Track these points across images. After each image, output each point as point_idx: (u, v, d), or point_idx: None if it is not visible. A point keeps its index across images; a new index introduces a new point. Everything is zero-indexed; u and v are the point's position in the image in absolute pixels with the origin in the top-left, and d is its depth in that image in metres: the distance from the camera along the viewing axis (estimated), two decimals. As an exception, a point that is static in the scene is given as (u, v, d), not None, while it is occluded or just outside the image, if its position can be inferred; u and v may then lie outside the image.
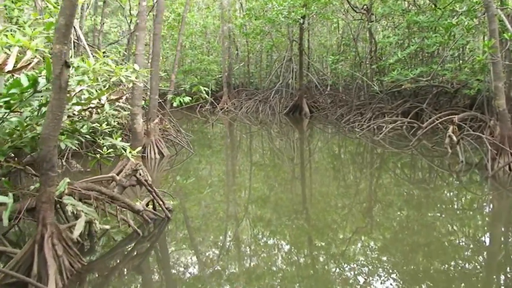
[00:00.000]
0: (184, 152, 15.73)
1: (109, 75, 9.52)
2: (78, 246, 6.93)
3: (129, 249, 7.31)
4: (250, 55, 35.84)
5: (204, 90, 16.82)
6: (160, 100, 21.35)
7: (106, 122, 12.23)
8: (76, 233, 5.81)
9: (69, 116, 6.96)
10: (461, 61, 21.34)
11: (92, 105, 7.44)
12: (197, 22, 34.97)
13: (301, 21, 24.39)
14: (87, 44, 17.78)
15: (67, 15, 5.31)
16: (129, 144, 11.82)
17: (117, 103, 15.47)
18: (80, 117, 7.39)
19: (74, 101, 7.14)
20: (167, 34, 34.28)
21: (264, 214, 9.36)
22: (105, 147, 9.97)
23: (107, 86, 13.68)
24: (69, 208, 5.97)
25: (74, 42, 16.60)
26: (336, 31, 32.36)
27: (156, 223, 8.17)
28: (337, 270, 6.65)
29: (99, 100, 7.36)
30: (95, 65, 8.35)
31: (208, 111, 31.99)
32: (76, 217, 6.49)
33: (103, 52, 17.30)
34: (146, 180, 8.03)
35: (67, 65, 5.43)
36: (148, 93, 14.85)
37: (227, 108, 31.72)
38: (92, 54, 17.22)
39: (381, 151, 16.74)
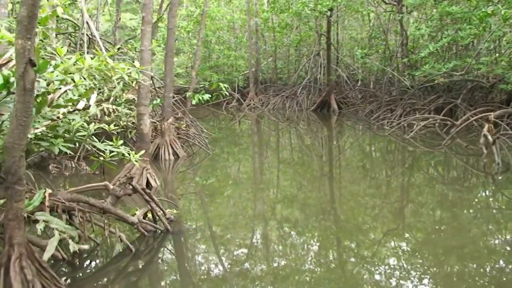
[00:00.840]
0: (202, 152, 15.00)
1: (110, 74, 8.83)
2: (64, 264, 6.26)
3: (122, 266, 6.57)
4: (278, 50, 34.87)
5: (224, 87, 16.03)
6: (181, 98, 20.74)
7: (114, 123, 11.61)
8: (46, 255, 5.09)
9: (52, 120, 6.23)
10: (497, 54, 20.03)
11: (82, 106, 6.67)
12: (223, 16, 34.23)
13: (329, 13, 23.39)
14: (101, 39, 17.20)
15: (29, 5, 4.56)
16: (136, 146, 11.20)
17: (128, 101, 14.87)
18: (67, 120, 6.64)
19: (60, 103, 6.43)
20: (194, 30, 33.65)
21: (291, 215, 9.13)
22: (107, 150, 9.27)
23: (120, 85, 13.07)
24: (40, 226, 5.25)
25: (89, 38, 16.04)
26: (367, 24, 31.23)
27: (163, 237, 7.43)
28: (367, 273, 6.36)
29: (87, 100, 6.60)
30: (90, 63, 7.67)
31: (235, 108, 31.27)
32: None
33: (118, 49, 16.72)
34: (144, 189, 7.27)
35: (32, 63, 4.69)
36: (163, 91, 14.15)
37: (254, 104, 30.92)
38: (106, 50, 16.61)
39: (412, 150, 15.80)
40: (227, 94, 16.07)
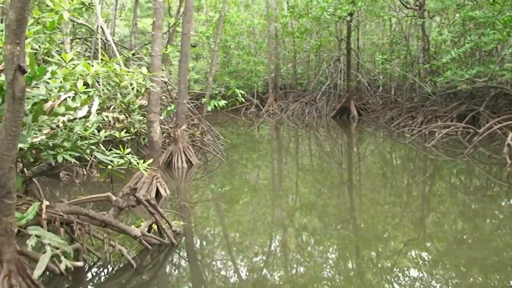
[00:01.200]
0: (218, 159, 14.70)
1: (118, 80, 8.59)
2: (61, 279, 5.99)
3: (123, 282, 6.28)
4: (298, 55, 34.50)
5: (240, 93, 15.74)
6: (198, 104, 20.51)
7: (126, 130, 11.37)
8: (36, 272, 4.82)
9: (52, 129, 5.97)
10: (522, 60, 19.48)
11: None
12: (243, 22, 33.97)
13: (348, 18, 22.99)
14: (118, 44, 17.02)
15: (18, 8, 4.30)
16: (146, 154, 10.94)
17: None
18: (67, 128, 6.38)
19: (62, 110, 6.17)
20: (213, 35, 33.43)
21: (309, 223, 9.01)
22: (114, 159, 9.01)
23: (134, 91, 12.81)
24: (31, 242, 4.98)
25: (104, 43, 15.86)
26: (388, 29, 30.73)
27: (168, 250, 7.13)
28: (387, 284, 6.28)
29: (89, 107, 6.33)
30: (96, 69, 7.43)
31: (253, 114, 30.96)
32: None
33: (133, 54, 16.53)
34: (148, 200, 6.98)
35: (22, 70, 4.42)
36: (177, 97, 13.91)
37: (273, 110, 30.58)
38: (121, 55, 16.43)
39: (433, 159, 15.31)
40: (243, 100, 15.73)
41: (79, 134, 6.09)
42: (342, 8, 20.97)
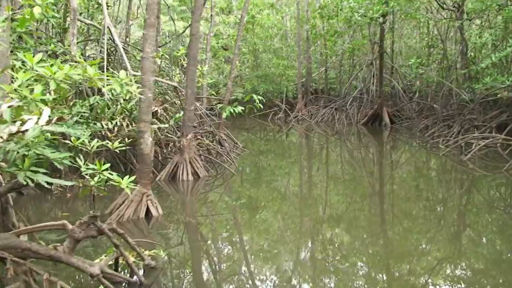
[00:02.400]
0: (230, 171, 13.56)
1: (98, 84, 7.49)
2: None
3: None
4: (330, 59, 33.08)
5: (258, 98, 14.57)
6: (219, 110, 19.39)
7: (121, 140, 10.32)
8: None
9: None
10: None
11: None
12: (274, 24, 32.78)
13: (381, 20, 21.56)
14: (132, 46, 16.07)
15: None
16: (136, 168, 9.82)
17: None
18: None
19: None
20: (242, 37, 32.41)
21: (336, 236, 8.70)
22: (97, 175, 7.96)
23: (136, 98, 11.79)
24: None
25: (111, 45, 14.90)
26: (424, 32, 29.05)
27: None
28: None
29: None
30: (66, 72, 6.35)
31: (282, 120, 29.75)
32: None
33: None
34: (113, 229, 5.85)
35: None
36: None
37: (301, 116, 29.30)
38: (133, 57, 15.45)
39: (469, 173, 13.98)
40: (261, 106, 14.55)
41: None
42: (374, 9, 19.57)
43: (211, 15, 20.58)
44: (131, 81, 7.17)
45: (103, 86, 6.61)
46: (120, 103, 11.98)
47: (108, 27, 13.30)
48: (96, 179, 7.71)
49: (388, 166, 16.25)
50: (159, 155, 13.36)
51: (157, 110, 13.33)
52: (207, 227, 9.38)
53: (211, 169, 13.56)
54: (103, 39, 13.73)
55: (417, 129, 22.42)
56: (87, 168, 7.52)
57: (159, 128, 12.91)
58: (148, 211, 8.83)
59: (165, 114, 13.36)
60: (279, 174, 14.56)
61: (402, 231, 8.97)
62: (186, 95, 12.11)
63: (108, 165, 7.70)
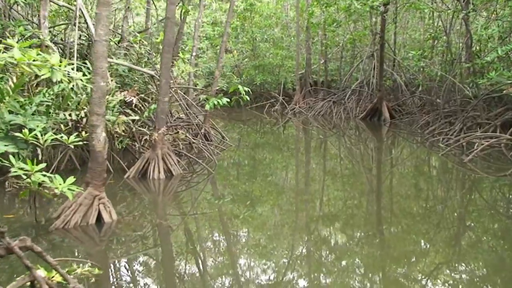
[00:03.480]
0: (211, 167, 12.52)
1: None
2: None
3: None
4: (330, 50, 31.87)
5: (244, 90, 13.48)
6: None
7: (77, 134, 9.26)
8: None
9: None
10: None
11: None
12: (274, 14, 31.59)
13: (382, 9, 20.38)
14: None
15: None
16: (88, 167, 8.71)
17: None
18: None
19: None
20: (241, 26, 31.23)
21: (330, 236, 8.34)
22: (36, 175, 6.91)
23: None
24: None
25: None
26: (430, 24, 27.74)
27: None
28: None
29: None
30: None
31: (278, 112, 28.65)
32: None
33: (118, 42, 14.42)
34: (28, 247, 4.80)
35: None
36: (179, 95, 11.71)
37: (299, 108, 28.16)
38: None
39: (470, 175, 12.93)
40: (248, 98, 13.46)
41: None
42: (373, -3, 18.41)
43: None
44: (65, 66, 6.05)
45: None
46: (87, 93, 10.94)
47: (80, 9, 12.24)
48: (33, 178, 6.66)
49: (386, 164, 15.28)
50: (134, 149, 12.36)
51: (132, 100, 12.28)
52: (178, 232, 8.37)
53: (191, 166, 12.52)
54: (74, 24, 12.71)
55: (417, 125, 21.27)
56: (19, 169, 6.44)
57: (132, 120, 11.87)
58: (100, 216, 7.77)
59: (140, 105, 12.28)
60: (270, 170, 13.50)
61: (399, 232, 8.59)
62: (160, 85, 11.02)
63: (43, 165, 6.63)
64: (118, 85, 13.41)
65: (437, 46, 23.94)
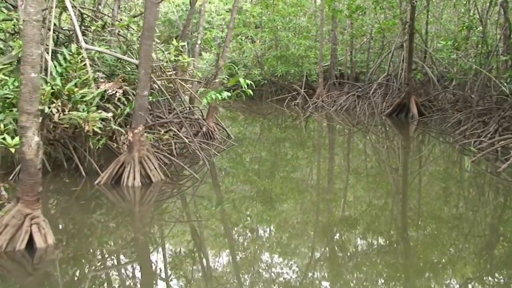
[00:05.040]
0: (204, 172, 11.01)
1: None
2: None
3: None
4: (357, 39, 29.92)
5: (247, 83, 11.82)
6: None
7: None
8: None
9: None
10: None
11: None
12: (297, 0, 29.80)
13: (411, -5, 18.49)
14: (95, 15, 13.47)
15: None
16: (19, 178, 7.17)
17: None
18: None
19: None
20: (262, 13, 29.57)
21: (349, 241, 7.72)
22: None
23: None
24: None
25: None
26: (466, 13, 25.55)
27: None
28: None
29: None
30: None
31: (300, 106, 26.92)
32: None
33: (103, 26, 12.92)
34: None
35: None
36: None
37: (322, 102, 26.33)
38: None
39: (505, 184, 11.21)
40: (251, 93, 11.80)
41: None
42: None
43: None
44: None
45: None
46: (57, 84, 9.49)
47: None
48: None
49: (412, 165, 13.88)
50: (114, 150, 10.89)
51: (115, 94, 10.77)
52: (156, 252, 6.90)
53: (182, 171, 10.99)
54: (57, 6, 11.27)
55: (448, 123, 19.26)
56: None
57: (113, 117, 10.36)
58: (32, 239, 6.26)
59: (124, 99, 10.76)
60: (270, 183, 11.80)
61: (425, 240, 7.77)
62: (139, 77, 9.46)
63: None
64: (104, 75, 11.97)
65: (472, 37, 21.83)
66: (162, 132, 10.85)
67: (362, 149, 16.66)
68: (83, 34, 11.83)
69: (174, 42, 12.57)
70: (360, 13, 21.98)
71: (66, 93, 9.52)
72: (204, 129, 14.36)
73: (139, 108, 9.37)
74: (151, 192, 9.47)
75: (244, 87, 11.59)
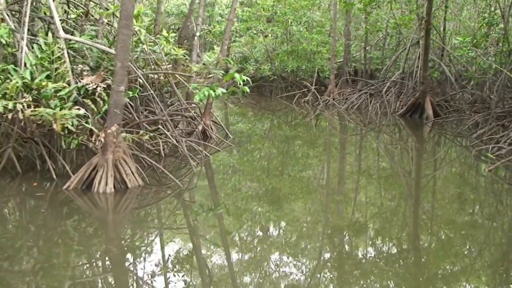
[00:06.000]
0: (194, 173, 10.04)
1: None
2: None
3: None
4: (372, 35, 28.68)
5: (242, 79, 10.80)
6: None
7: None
8: None
9: None
10: None
11: None
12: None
13: (427, -12, 17.29)
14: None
15: None
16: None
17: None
18: None
19: None
20: (274, 4, 28.45)
21: (356, 248, 7.28)
22: None
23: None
24: None
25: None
26: (487, 9, 24.23)
27: None
28: None
29: None
30: None
31: (309, 103, 25.82)
32: None
33: (86, 15, 11.97)
34: None
35: None
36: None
37: (333, 99, 25.18)
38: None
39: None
40: (247, 90, 10.79)
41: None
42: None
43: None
44: None
45: None
46: (25, 77, 8.59)
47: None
48: None
49: (426, 168, 13.21)
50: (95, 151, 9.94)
51: (96, 88, 9.82)
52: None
53: (159, 176, 9.98)
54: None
55: (466, 126, 18.04)
56: None
57: (93, 113, 9.42)
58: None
59: (104, 94, 9.79)
60: (263, 188, 10.76)
61: (436, 249, 7.32)
62: (114, 69, 8.47)
63: None
64: (88, 67, 11.05)
65: (492, 34, 20.55)
66: (141, 132, 9.82)
67: (374, 149, 15.79)
68: (66, 22, 10.91)
69: (164, 33, 11.59)
70: (374, 7, 20.78)
71: (35, 87, 8.60)
72: (200, 127, 13.37)
73: (114, 105, 8.38)
74: (127, 199, 8.50)
75: (239, 83, 10.66)
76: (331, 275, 6.39)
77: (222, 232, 7.74)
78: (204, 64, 20.64)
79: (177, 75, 12.65)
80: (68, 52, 10.67)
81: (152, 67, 13.01)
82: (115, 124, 8.33)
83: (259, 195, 9.66)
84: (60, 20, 10.63)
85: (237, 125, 19.28)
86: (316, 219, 8.61)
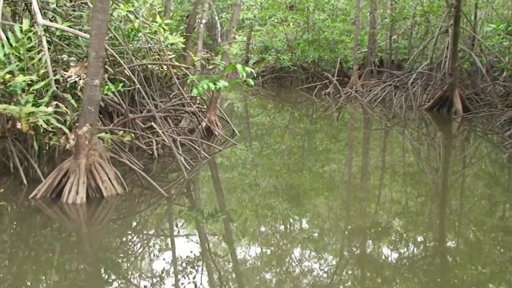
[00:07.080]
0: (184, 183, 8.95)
1: None
2: None
3: None
4: (399, 24, 27.19)
5: (245, 71, 9.62)
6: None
7: None
8: None
9: None
10: None
11: None
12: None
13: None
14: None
15: None
16: None
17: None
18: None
19: None
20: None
21: (378, 253, 6.67)
22: None
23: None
24: None
25: None
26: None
27: None
28: None
29: None
30: None
31: (331, 95, 24.56)
32: None
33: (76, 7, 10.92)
34: None
35: None
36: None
37: (355, 91, 23.83)
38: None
39: None
40: (251, 82, 9.66)
41: None
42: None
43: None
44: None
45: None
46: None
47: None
48: None
49: (454, 166, 12.35)
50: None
51: (80, 77, 8.81)
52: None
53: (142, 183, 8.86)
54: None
55: (497, 122, 16.63)
56: None
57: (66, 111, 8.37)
58: None
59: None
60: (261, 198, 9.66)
61: (464, 254, 6.83)
62: (88, 60, 7.36)
63: None
64: (76, 58, 10.07)
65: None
66: (121, 132, 8.69)
67: (399, 145, 14.89)
68: (46, 8, 9.87)
69: (158, 19, 10.49)
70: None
71: (1, 80, 7.56)
72: (203, 124, 12.26)
73: (88, 101, 7.27)
74: (103, 209, 7.40)
75: (242, 75, 9.55)
76: (350, 282, 5.89)
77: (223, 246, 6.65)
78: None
79: (176, 66, 11.53)
80: (53, 41, 9.69)
81: (154, 57, 11.98)
82: (87, 124, 7.22)
83: (264, 200, 8.56)
84: (42, 2, 9.59)
85: (257, 117, 18.92)
86: (339, 216, 8.28)
